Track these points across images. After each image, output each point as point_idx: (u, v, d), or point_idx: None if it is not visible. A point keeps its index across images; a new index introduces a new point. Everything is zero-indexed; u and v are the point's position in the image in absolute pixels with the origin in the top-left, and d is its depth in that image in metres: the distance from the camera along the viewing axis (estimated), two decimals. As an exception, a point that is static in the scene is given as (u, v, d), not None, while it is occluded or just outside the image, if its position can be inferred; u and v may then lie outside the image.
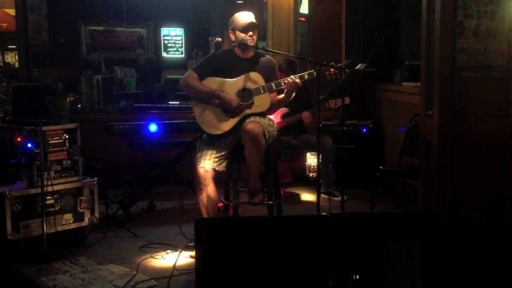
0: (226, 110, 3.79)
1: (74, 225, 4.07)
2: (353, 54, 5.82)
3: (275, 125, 3.98)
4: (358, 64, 3.99)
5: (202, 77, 3.82)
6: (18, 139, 3.90)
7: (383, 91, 6.06)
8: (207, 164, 3.66)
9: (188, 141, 5.07)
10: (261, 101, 3.80)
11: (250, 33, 3.77)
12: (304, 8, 6.95)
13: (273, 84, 3.78)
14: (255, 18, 3.86)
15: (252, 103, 3.78)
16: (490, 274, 3.05)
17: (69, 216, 4.03)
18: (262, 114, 3.84)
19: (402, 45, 6.33)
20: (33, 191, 3.84)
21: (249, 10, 4.05)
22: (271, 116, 4.08)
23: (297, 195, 5.70)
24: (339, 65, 3.79)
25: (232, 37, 3.86)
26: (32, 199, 3.84)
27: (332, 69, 3.75)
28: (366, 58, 5.61)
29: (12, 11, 8.64)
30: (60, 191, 3.97)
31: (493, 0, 3.06)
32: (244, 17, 3.81)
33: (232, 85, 3.80)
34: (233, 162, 3.83)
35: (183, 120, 5.07)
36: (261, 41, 7.28)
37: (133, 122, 5.07)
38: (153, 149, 5.20)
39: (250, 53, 3.89)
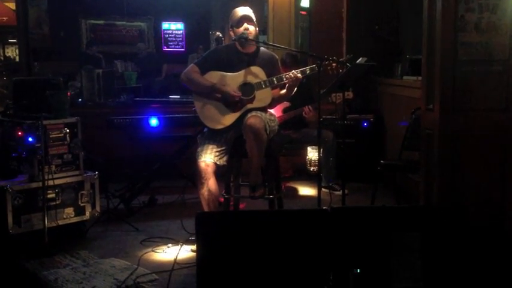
0: (228, 104, 3.79)
1: (75, 219, 4.07)
2: (354, 48, 5.80)
3: (276, 119, 3.98)
4: (359, 58, 3.97)
5: (203, 71, 3.83)
6: (19, 133, 3.90)
7: (384, 85, 6.05)
8: (208, 158, 3.66)
9: (189, 135, 5.06)
10: (262, 96, 3.80)
11: (245, 25, 3.77)
12: (305, 2, 6.94)
13: (274, 79, 3.78)
14: (255, 12, 3.87)
15: (254, 97, 3.78)
16: (491, 269, 3.05)
17: (70, 210, 4.04)
18: (264, 109, 3.84)
19: (403, 39, 6.32)
20: (34, 185, 3.85)
21: (249, 4, 4.05)
22: (272, 110, 4.07)
23: (298, 189, 5.70)
24: (340, 59, 3.78)
25: (232, 34, 3.87)
26: (33, 193, 3.84)
27: (333, 64, 3.75)
28: (367, 52, 5.60)
29: (12, 5, 8.64)
30: (61, 185, 3.98)
31: (495, -6, 3.05)
32: (237, 12, 3.83)
33: (233, 79, 3.79)
34: (234, 156, 3.84)
35: (183, 115, 5.06)
36: (262, 34, 7.27)
37: (134, 116, 5.07)
38: (154, 143, 5.20)
39: (252, 48, 3.88)
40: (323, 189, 4.68)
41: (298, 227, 2.67)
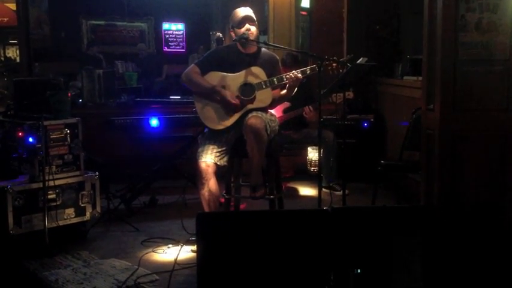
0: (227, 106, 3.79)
1: (75, 220, 4.07)
2: (354, 48, 5.81)
3: (277, 119, 3.98)
4: (359, 58, 3.98)
5: (204, 72, 3.83)
6: (20, 134, 3.90)
7: (385, 85, 6.05)
8: (209, 158, 3.66)
9: (189, 135, 5.06)
10: (263, 96, 3.79)
11: (247, 26, 3.77)
12: (305, 2, 6.93)
13: (275, 79, 3.78)
14: (256, 12, 3.86)
15: (254, 98, 3.78)
16: (491, 269, 3.05)
17: (70, 211, 4.04)
18: (264, 109, 3.84)
19: (404, 39, 6.32)
20: (34, 185, 3.84)
21: (250, 4, 4.05)
22: (272, 111, 4.07)
23: (298, 190, 5.70)
24: (341, 60, 3.78)
25: (233, 35, 3.87)
26: (33, 194, 3.84)
27: (334, 64, 3.74)
28: (367, 52, 5.61)
29: (13, 6, 8.64)
30: (61, 186, 3.97)
31: (495, -6, 3.05)
32: (238, 12, 3.83)
33: (234, 80, 3.79)
34: (234, 156, 3.84)
35: (184, 115, 5.06)
36: (262, 35, 7.27)
37: (134, 117, 5.07)
38: (155, 143, 5.20)
39: (253, 48, 3.88)
40: (323, 189, 4.68)
41: (299, 227, 2.67)
